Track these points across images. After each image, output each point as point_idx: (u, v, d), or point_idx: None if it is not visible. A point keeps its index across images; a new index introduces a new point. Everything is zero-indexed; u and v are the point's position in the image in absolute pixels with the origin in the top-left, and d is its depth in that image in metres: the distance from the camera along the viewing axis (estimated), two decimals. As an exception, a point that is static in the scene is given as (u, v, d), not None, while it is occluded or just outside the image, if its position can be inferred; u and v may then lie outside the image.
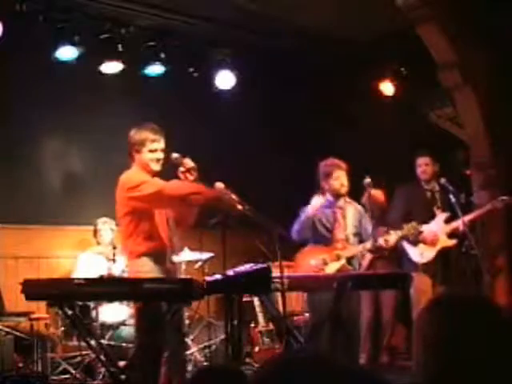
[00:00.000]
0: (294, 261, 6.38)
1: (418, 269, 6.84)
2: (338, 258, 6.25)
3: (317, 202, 6.27)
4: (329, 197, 6.47)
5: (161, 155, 5.27)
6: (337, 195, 6.45)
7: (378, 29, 7.96)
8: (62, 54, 7.69)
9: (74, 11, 7.52)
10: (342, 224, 6.42)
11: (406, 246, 6.96)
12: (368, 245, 6.26)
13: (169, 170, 5.35)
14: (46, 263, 8.08)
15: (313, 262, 6.20)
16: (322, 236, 6.35)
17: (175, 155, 5.24)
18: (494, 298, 6.78)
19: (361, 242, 6.36)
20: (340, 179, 6.41)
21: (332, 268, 6.24)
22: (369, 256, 7.45)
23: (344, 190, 6.45)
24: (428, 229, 6.86)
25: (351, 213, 6.48)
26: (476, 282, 7.33)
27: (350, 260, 6.28)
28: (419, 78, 8.50)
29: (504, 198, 6.88)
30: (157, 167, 5.26)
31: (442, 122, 8.56)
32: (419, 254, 6.87)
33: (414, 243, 6.88)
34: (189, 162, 5.19)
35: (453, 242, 6.83)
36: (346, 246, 6.31)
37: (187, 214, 5.42)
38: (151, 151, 5.24)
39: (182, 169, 5.19)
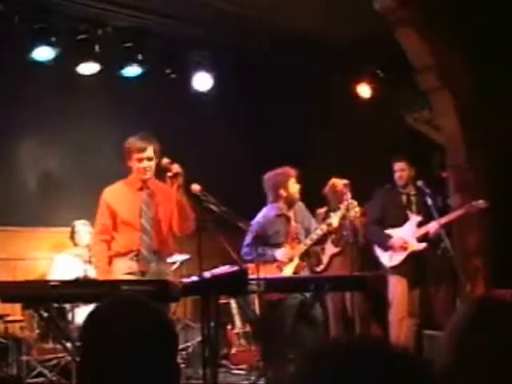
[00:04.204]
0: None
1: (390, 271, 6.92)
2: (291, 259, 6.32)
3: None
4: (281, 205, 6.50)
5: (147, 164, 5.45)
6: (292, 201, 6.49)
7: (356, 32, 7.98)
8: (38, 55, 7.62)
9: (51, 12, 7.46)
10: (294, 226, 6.49)
11: (377, 249, 7.04)
12: (314, 236, 6.35)
13: (159, 174, 5.46)
14: (22, 265, 8.01)
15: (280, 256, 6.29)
16: (275, 244, 6.41)
17: (166, 160, 5.34)
18: (469, 300, 6.84)
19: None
20: (296, 184, 6.49)
21: (288, 271, 6.30)
22: (329, 252, 7.52)
23: (298, 195, 6.53)
24: (397, 235, 6.93)
25: (298, 211, 6.56)
26: (451, 284, 7.38)
27: (302, 257, 6.37)
28: (396, 80, 8.55)
29: (477, 202, 6.92)
30: (144, 176, 5.48)
31: (418, 124, 8.61)
32: (388, 257, 6.95)
33: (385, 249, 6.96)
34: (176, 168, 5.30)
35: (422, 245, 6.90)
36: (294, 246, 6.37)
37: (189, 219, 5.50)
38: (138, 160, 5.44)
39: (169, 174, 5.32)
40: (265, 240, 6.33)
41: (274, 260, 6.30)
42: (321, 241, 6.60)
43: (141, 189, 5.55)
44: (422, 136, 8.51)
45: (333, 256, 7.43)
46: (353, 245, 7.06)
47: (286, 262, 6.30)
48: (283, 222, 6.48)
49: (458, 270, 6.66)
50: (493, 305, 1.67)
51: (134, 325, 1.80)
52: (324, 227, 6.35)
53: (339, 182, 7.32)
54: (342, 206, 6.39)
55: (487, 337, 1.57)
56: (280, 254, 6.31)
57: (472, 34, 7.27)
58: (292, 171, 6.49)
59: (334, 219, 6.35)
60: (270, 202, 6.52)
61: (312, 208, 6.89)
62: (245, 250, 6.27)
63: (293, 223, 6.50)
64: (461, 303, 7.02)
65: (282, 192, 6.43)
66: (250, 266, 5.84)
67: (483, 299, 1.77)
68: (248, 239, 6.29)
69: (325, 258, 7.61)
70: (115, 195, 5.56)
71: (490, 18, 7.05)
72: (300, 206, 6.60)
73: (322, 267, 7.70)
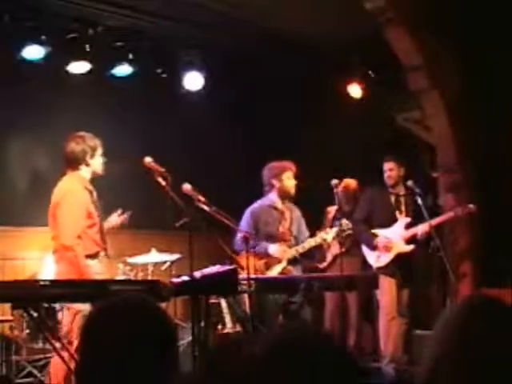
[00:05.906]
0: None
1: (377, 272, 6.92)
2: (280, 260, 6.33)
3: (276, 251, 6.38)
4: (274, 196, 6.56)
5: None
6: (286, 195, 6.54)
7: (347, 32, 7.98)
8: (28, 54, 7.60)
9: (41, 10, 7.44)
10: (287, 225, 6.53)
11: (364, 249, 7.03)
12: (306, 245, 6.43)
13: (144, 175, 5.41)
14: (10, 265, 7.97)
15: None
16: (265, 236, 6.43)
17: (148, 159, 5.29)
18: (457, 301, 6.86)
19: (297, 244, 6.52)
20: (292, 179, 6.54)
21: (275, 271, 6.31)
22: (333, 251, 7.53)
23: (293, 190, 6.56)
24: (383, 235, 6.92)
25: (296, 215, 6.61)
26: (442, 283, 7.39)
27: (290, 261, 6.39)
28: (387, 80, 8.55)
29: (466, 206, 6.91)
30: (101, 172, 5.57)
31: (409, 124, 8.62)
32: (376, 258, 6.94)
33: (371, 248, 6.96)
34: (159, 167, 5.28)
35: (409, 247, 6.88)
36: (285, 249, 6.39)
37: None
38: (101, 155, 5.54)
39: (161, 170, 5.30)
40: (256, 229, 6.38)
41: (266, 254, 6.32)
42: (311, 251, 6.67)
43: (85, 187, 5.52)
44: (412, 136, 8.52)
45: (337, 255, 7.41)
46: (358, 246, 7.07)
47: (275, 262, 6.31)
48: (275, 213, 6.53)
49: (448, 269, 6.65)
50: (486, 303, 1.67)
51: (135, 325, 1.80)
52: (318, 240, 6.37)
53: (353, 183, 7.35)
54: (337, 227, 6.45)
55: (482, 335, 1.57)
56: (273, 249, 6.35)
57: (462, 34, 7.29)
58: (289, 165, 6.59)
59: (330, 235, 6.37)
60: (265, 193, 6.62)
61: (301, 207, 6.88)
62: (238, 239, 6.29)
63: (287, 222, 6.53)
64: (451, 303, 7.02)
65: (275, 183, 6.53)
66: (241, 257, 5.89)
67: (476, 298, 1.77)
68: (242, 227, 6.34)
69: (329, 256, 7.64)
70: (87, 193, 5.47)
71: (481, 17, 7.07)
72: (298, 213, 6.66)
73: (324, 264, 7.72)
